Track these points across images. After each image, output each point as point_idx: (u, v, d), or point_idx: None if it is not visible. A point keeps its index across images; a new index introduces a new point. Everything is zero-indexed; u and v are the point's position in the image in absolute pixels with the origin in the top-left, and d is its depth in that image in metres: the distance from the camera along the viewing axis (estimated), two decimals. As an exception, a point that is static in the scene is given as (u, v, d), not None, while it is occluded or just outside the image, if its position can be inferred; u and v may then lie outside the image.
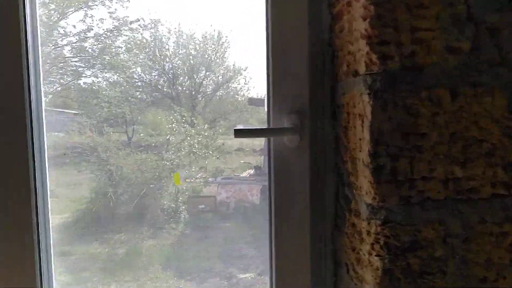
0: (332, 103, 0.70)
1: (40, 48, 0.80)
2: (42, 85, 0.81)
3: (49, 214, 0.84)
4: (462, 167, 0.54)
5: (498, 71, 0.55)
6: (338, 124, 0.68)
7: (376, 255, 0.55)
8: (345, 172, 0.66)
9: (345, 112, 0.63)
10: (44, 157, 0.81)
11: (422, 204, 0.54)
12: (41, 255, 0.80)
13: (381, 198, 0.54)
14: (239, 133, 0.68)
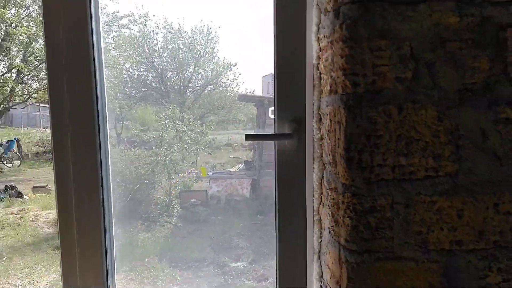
0: (319, 111, 0.97)
1: (103, 55, 1.03)
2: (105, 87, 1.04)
3: (112, 212, 1.08)
4: (405, 157, 0.81)
5: (431, 93, 0.81)
6: (324, 127, 0.94)
7: (347, 217, 0.81)
8: (327, 162, 0.93)
9: (329, 119, 0.90)
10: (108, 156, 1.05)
11: (378, 183, 0.81)
12: (106, 250, 1.04)
13: (351, 179, 0.81)
14: (250, 137, 0.94)
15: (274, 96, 0.91)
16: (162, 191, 6.42)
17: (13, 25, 9.84)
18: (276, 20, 0.88)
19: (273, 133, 0.93)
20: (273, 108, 0.97)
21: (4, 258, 4.66)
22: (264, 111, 7.15)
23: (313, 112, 0.99)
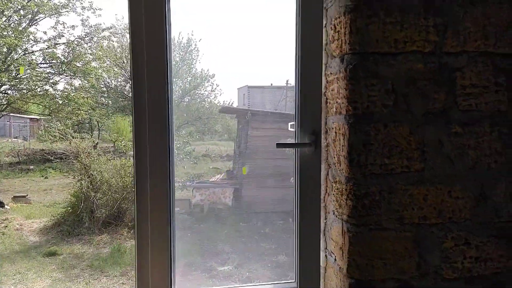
0: (325, 126, 1.33)
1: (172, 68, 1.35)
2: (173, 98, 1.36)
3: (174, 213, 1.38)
4: (388, 159, 1.17)
5: (405, 115, 1.19)
6: (329, 137, 1.30)
7: (349, 200, 1.17)
8: (332, 163, 1.28)
9: (334, 132, 1.26)
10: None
11: (370, 176, 1.17)
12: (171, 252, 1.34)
13: (352, 173, 1.17)
14: (280, 145, 1.28)
15: (296, 113, 1.26)
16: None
17: (-6, 34, 9.80)
18: (301, 64, 1.23)
19: (296, 142, 1.27)
20: (291, 122, 1.32)
21: (-6, 265, 4.74)
22: (247, 123, 7.51)
23: (321, 127, 1.35)
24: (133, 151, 1.30)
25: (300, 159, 1.26)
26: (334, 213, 1.29)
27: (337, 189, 1.25)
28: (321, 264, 1.41)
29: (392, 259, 1.20)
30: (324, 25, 1.32)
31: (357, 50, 1.14)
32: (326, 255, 1.38)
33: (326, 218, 1.37)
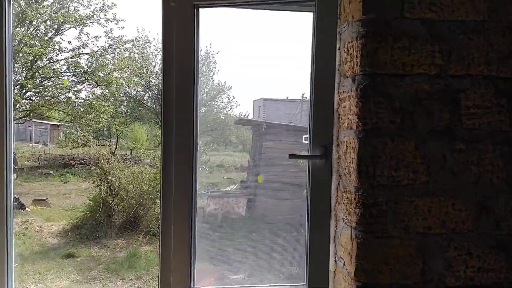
0: (337, 140, 1.43)
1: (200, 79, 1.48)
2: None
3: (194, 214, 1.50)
4: (395, 171, 1.27)
5: (411, 131, 1.29)
6: (341, 150, 1.40)
7: (358, 208, 1.27)
8: (343, 174, 1.39)
9: (345, 145, 1.36)
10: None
11: (378, 186, 1.27)
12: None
13: (361, 183, 1.27)
14: (292, 156, 1.39)
15: (310, 128, 1.37)
16: (163, 207, 6.77)
17: (22, 43, 10.22)
18: (315, 83, 1.35)
19: (308, 154, 1.38)
20: (306, 135, 1.43)
21: (16, 264, 4.92)
22: (262, 135, 7.63)
23: (333, 141, 1.46)
24: (161, 159, 1.43)
25: (312, 171, 1.36)
26: (343, 221, 1.39)
27: (347, 198, 1.35)
28: (330, 268, 1.50)
29: (397, 265, 1.29)
30: (338, 47, 1.44)
31: (367, 71, 1.26)
32: (335, 260, 1.47)
33: (336, 226, 1.46)
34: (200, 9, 1.48)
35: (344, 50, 1.38)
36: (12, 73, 1.38)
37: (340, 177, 1.43)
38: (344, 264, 1.38)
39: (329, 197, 1.36)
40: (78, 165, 9.30)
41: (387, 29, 1.26)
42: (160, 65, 1.54)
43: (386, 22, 1.26)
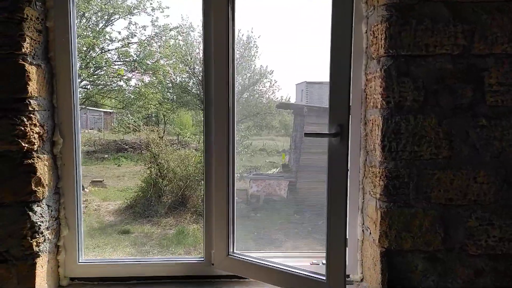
0: (365, 118, 1.54)
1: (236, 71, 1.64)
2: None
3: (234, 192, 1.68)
4: (417, 146, 1.36)
5: (434, 109, 1.36)
6: (368, 128, 1.51)
7: (381, 181, 1.38)
8: (369, 150, 1.49)
9: (371, 123, 1.47)
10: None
11: (400, 160, 1.37)
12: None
13: (384, 158, 1.37)
14: (308, 135, 1.51)
15: (330, 108, 1.46)
16: (209, 189, 7.10)
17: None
18: (332, 65, 1.41)
19: (321, 133, 1.48)
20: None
21: (78, 239, 5.43)
22: (303, 118, 7.69)
23: (361, 119, 1.56)
24: (203, 144, 1.61)
25: (329, 148, 1.44)
26: (370, 193, 1.50)
27: (373, 172, 1.46)
28: (358, 237, 1.63)
29: (419, 233, 1.39)
30: (365, 31, 1.53)
31: (390, 53, 1.35)
32: (363, 230, 1.59)
33: (363, 198, 1.58)
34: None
35: (370, 34, 1.47)
36: (77, 67, 1.59)
37: (367, 153, 1.54)
38: (370, 233, 1.50)
39: (345, 171, 1.41)
40: (131, 149, 9.86)
41: (410, 12, 1.34)
42: (198, 51, 1.68)
43: (410, 5, 1.34)
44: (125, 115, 12.08)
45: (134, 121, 9.94)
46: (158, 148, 7.04)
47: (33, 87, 1.40)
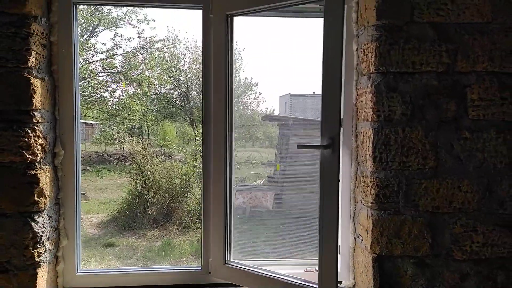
0: (356, 131, 1.62)
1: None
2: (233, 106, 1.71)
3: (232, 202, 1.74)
4: (406, 157, 1.45)
5: (421, 122, 1.46)
6: (359, 140, 1.59)
7: (372, 190, 1.46)
8: (360, 161, 1.58)
9: (362, 135, 1.55)
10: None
11: (390, 170, 1.45)
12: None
13: (375, 169, 1.46)
14: (301, 146, 1.59)
15: (322, 121, 1.54)
16: (194, 200, 7.11)
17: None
18: (325, 81, 1.50)
19: (313, 144, 1.55)
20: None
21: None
22: (289, 130, 7.81)
23: (352, 131, 1.65)
24: (202, 155, 1.67)
25: (320, 159, 1.51)
26: (361, 202, 1.58)
27: (364, 182, 1.54)
28: (350, 245, 1.70)
29: (409, 239, 1.47)
30: (355, 49, 1.63)
31: (380, 70, 1.44)
32: (354, 237, 1.67)
33: (355, 207, 1.66)
34: (234, 18, 1.70)
35: (361, 51, 1.57)
36: (78, 79, 1.64)
37: (358, 164, 1.62)
38: (362, 240, 1.57)
39: (336, 182, 1.48)
40: (115, 160, 9.77)
41: (399, 32, 1.44)
42: (199, 68, 1.75)
43: (398, 26, 1.44)
44: (108, 126, 11.97)
45: (119, 132, 9.88)
46: (143, 159, 7.02)
47: (37, 99, 1.44)
